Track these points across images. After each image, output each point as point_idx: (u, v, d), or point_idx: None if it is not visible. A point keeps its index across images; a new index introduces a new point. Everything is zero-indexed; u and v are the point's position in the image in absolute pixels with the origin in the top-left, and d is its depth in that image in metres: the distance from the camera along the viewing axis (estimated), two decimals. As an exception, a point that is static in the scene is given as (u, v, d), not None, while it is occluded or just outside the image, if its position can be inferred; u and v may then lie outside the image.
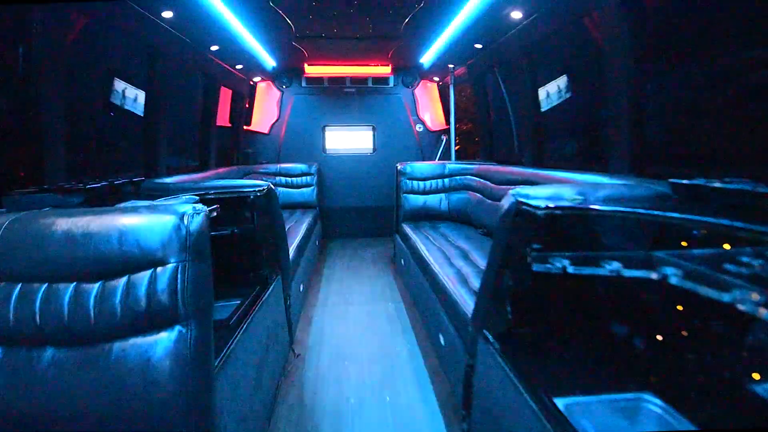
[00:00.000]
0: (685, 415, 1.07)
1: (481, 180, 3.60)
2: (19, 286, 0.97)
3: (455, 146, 4.92)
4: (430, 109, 5.45)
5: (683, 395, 1.11)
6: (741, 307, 0.87)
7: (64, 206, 1.50)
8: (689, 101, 1.94)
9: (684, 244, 1.04)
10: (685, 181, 1.18)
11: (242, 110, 4.94)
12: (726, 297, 0.89)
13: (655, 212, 1.06)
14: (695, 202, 1.14)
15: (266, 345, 1.87)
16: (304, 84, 5.23)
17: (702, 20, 1.82)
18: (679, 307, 1.11)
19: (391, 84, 5.28)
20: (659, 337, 1.19)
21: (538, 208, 1.14)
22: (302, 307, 3.09)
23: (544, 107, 3.16)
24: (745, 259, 0.89)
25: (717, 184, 1.08)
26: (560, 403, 1.08)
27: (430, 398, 1.99)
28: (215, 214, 1.33)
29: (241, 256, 2.07)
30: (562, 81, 2.94)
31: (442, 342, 2.09)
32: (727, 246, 0.94)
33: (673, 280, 1.01)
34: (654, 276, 1.06)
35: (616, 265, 1.10)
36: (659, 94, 2.07)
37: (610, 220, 1.17)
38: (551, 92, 3.07)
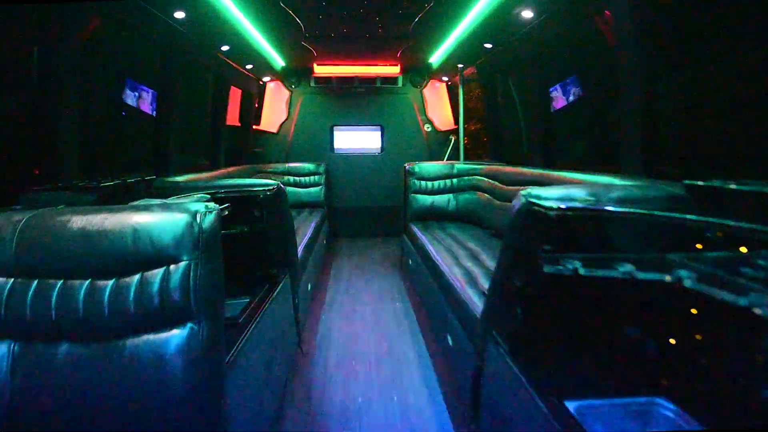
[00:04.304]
0: (699, 419, 1.06)
1: (490, 180, 3.58)
2: (36, 282, 0.99)
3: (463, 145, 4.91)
4: (438, 109, 5.43)
5: (697, 400, 1.09)
6: (757, 311, 0.85)
7: (78, 204, 1.52)
8: (703, 101, 1.91)
9: (699, 246, 1.03)
10: (699, 183, 1.16)
11: (252, 110, 4.97)
12: (742, 300, 0.88)
13: (669, 213, 1.04)
14: (710, 203, 1.12)
15: (275, 343, 1.88)
16: (312, 84, 5.24)
17: (714, 17, 1.80)
18: (693, 311, 1.10)
19: (400, 84, 5.27)
20: (672, 341, 1.17)
21: (549, 208, 1.13)
22: (310, 306, 3.10)
23: (554, 107, 3.14)
24: (761, 262, 0.87)
25: (733, 186, 1.06)
26: (571, 406, 1.07)
27: (438, 399, 1.99)
28: (227, 212, 1.34)
29: (250, 255, 2.08)
30: (572, 80, 2.92)
31: (450, 343, 2.09)
32: (743, 249, 0.92)
33: (688, 283, 1.00)
34: (668, 279, 1.04)
35: (628, 268, 1.09)
36: (672, 94, 2.05)
37: (622, 222, 1.15)
38: (561, 92, 3.05)
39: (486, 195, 3.60)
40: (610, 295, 1.23)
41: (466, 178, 4.00)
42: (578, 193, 1.16)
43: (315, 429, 1.80)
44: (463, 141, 4.91)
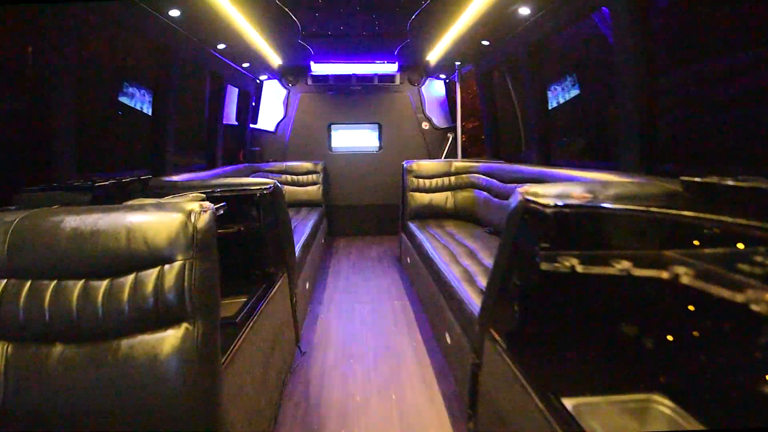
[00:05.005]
0: (696, 416, 1.06)
1: (488, 178, 3.58)
2: (29, 283, 0.98)
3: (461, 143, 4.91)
4: (436, 106, 5.43)
5: (693, 396, 1.09)
6: (754, 307, 0.85)
7: (72, 204, 1.51)
8: (701, 97, 1.91)
9: (696, 242, 1.02)
10: (697, 179, 1.15)
11: (249, 108, 4.95)
12: (739, 297, 0.87)
13: (667, 210, 1.04)
14: (707, 200, 1.12)
15: (272, 342, 1.87)
16: (310, 82, 5.22)
17: (713, 14, 1.79)
18: (690, 307, 1.09)
19: (397, 82, 5.26)
20: (669, 338, 1.17)
21: (546, 206, 1.12)
22: (308, 304, 3.09)
23: (551, 104, 3.13)
24: (758, 258, 0.87)
25: (730, 182, 1.05)
26: (568, 403, 1.07)
27: (436, 397, 1.99)
28: (222, 212, 1.34)
29: (247, 254, 2.07)
30: (570, 78, 2.91)
31: (449, 341, 2.09)
32: (740, 245, 0.92)
33: (685, 280, 1.00)
34: (665, 275, 1.04)
35: (625, 265, 1.08)
36: (670, 91, 2.04)
37: (620, 219, 1.15)
38: (559, 89, 3.04)
39: (484, 193, 3.60)
40: (607, 292, 1.23)
41: (464, 176, 4.00)
42: (575, 190, 1.16)
43: (313, 428, 1.80)
44: (461, 139, 4.90)
